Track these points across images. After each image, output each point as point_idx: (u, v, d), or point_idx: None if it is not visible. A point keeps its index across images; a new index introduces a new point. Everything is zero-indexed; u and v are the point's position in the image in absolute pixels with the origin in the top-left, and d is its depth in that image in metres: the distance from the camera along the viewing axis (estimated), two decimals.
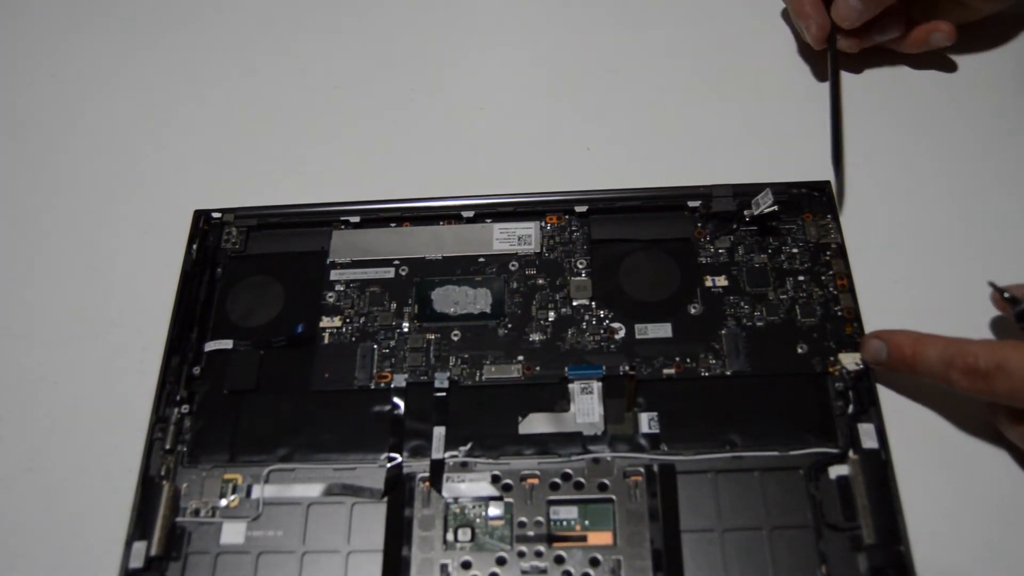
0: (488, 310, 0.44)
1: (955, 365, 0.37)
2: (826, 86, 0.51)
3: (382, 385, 0.42)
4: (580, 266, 0.45)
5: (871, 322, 0.42)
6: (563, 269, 0.45)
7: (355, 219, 0.47)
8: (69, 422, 0.43)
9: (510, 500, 0.39)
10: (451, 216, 0.47)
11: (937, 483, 0.39)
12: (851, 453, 0.39)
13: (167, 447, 0.41)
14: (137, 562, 0.38)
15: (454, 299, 0.45)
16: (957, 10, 0.50)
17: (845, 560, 0.37)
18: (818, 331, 0.43)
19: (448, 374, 0.42)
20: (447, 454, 0.40)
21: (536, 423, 0.41)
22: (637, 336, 0.43)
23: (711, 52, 0.54)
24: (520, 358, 0.43)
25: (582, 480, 0.40)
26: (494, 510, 0.39)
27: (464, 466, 0.40)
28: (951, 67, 0.52)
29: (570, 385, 0.42)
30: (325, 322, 0.44)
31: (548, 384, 0.42)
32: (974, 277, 0.41)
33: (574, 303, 0.44)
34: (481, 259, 0.46)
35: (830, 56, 0.50)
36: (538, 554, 0.38)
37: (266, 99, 0.54)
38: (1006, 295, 0.39)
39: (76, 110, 0.55)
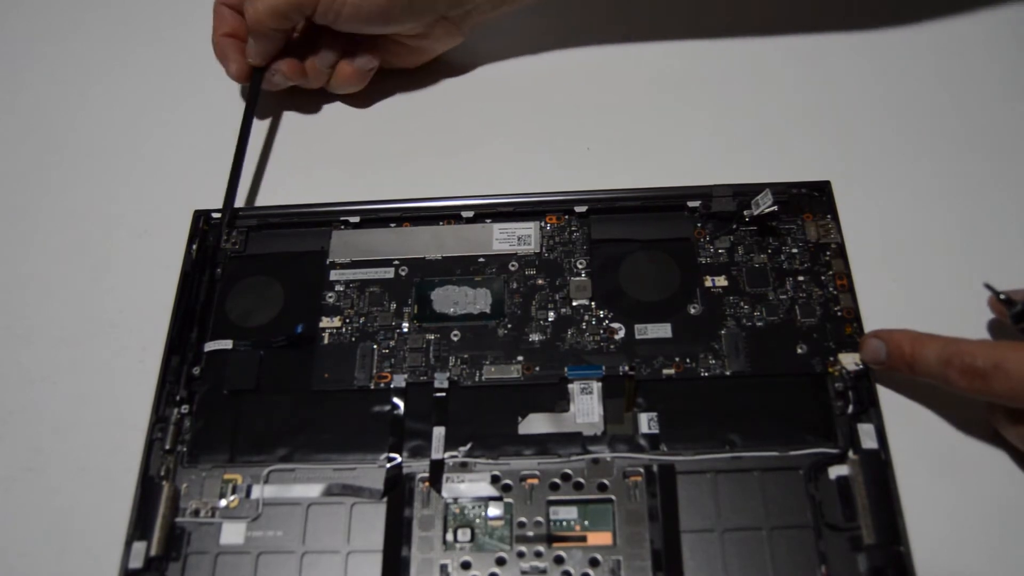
0: (488, 310, 0.44)
1: (953, 364, 0.37)
2: (827, 87, 0.51)
3: (382, 385, 0.42)
4: (580, 266, 0.45)
5: (871, 322, 0.42)
6: (563, 269, 0.45)
7: (355, 219, 0.47)
8: (69, 422, 0.43)
9: (510, 500, 0.39)
10: (451, 216, 0.47)
11: (937, 483, 0.39)
12: (851, 453, 0.39)
13: (167, 447, 0.41)
14: (137, 562, 0.38)
15: (454, 299, 0.45)
16: (404, 53, 0.51)
17: (845, 560, 0.37)
18: (818, 331, 0.42)
19: (448, 374, 0.42)
20: (447, 454, 0.40)
21: (536, 423, 0.41)
22: (637, 336, 0.43)
23: (711, 52, 0.54)
24: (520, 358, 0.43)
25: (582, 480, 0.40)
26: (494, 510, 0.39)
27: (464, 466, 0.40)
28: (950, 68, 0.52)
29: (570, 385, 0.42)
30: (325, 322, 0.44)
31: (548, 384, 0.42)
32: (974, 277, 0.41)
33: (574, 303, 0.44)
34: (481, 259, 0.46)
35: (250, 93, 0.50)
36: (538, 554, 0.38)
37: (266, 98, 0.54)
38: (1002, 297, 0.39)
39: (75, 110, 0.55)
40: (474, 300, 0.45)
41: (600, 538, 0.38)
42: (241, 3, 0.49)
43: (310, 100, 0.53)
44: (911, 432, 0.40)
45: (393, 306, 0.45)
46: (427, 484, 0.40)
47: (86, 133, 0.53)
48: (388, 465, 0.40)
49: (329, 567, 0.38)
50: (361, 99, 0.53)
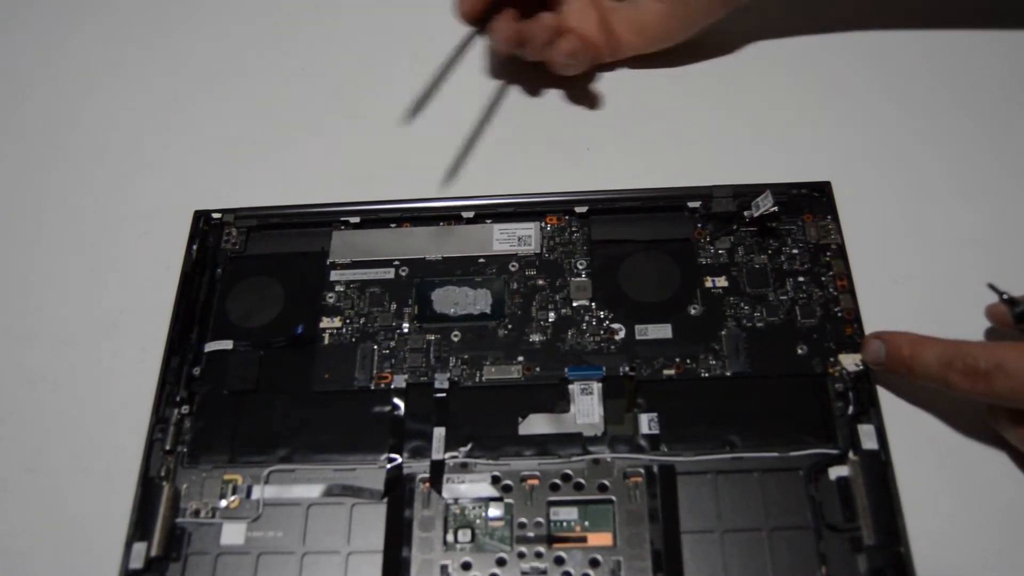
0: (488, 311, 0.44)
1: (954, 366, 0.37)
2: (829, 87, 0.51)
3: (382, 386, 0.42)
4: (580, 267, 0.45)
5: (871, 323, 0.42)
6: (563, 270, 0.45)
7: (355, 219, 0.47)
8: (69, 422, 0.43)
9: (510, 501, 0.39)
10: (451, 216, 0.47)
11: (937, 484, 0.39)
12: (851, 454, 0.39)
13: (167, 448, 0.41)
14: (137, 563, 0.38)
15: (454, 300, 0.45)
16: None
17: (845, 561, 0.37)
18: (818, 332, 0.42)
19: (448, 375, 0.42)
20: (447, 455, 0.40)
21: (536, 424, 0.41)
22: (637, 337, 0.43)
23: (712, 52, 0.53)
24: (520, 359, 0.43)
25: (582, 481, 0.40)
26: (494, 511, 0.39)
27: (464, 467, 0.40)
28: (951, 67, 0.52)
29: (570, 386, 0.42)
30: (325, 323, 0.44)
31: (548, 385, 0.42)
32: (974, 277, 0.41)
33: (574, 304, 0.44)
34: (481, 260, 0.46)
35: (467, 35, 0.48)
36: (538, 555, 0.38)
37: (266, 99, 0.54)
38: (1005, 296, 0.39)
39: (75, 110, 0.54)
40: (474, 301, 0.45)
41: (600, 539, 0.38)
42: None
43: (304, 102, 0.53)
44: (911, 433, 0.40)
45: (393, 306, 0.45)
46: (427, 485, 0.40)
47: (87, 133, 0.53)
48: (388, 466, 0.40)
49: (329, 568, 0.38)
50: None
